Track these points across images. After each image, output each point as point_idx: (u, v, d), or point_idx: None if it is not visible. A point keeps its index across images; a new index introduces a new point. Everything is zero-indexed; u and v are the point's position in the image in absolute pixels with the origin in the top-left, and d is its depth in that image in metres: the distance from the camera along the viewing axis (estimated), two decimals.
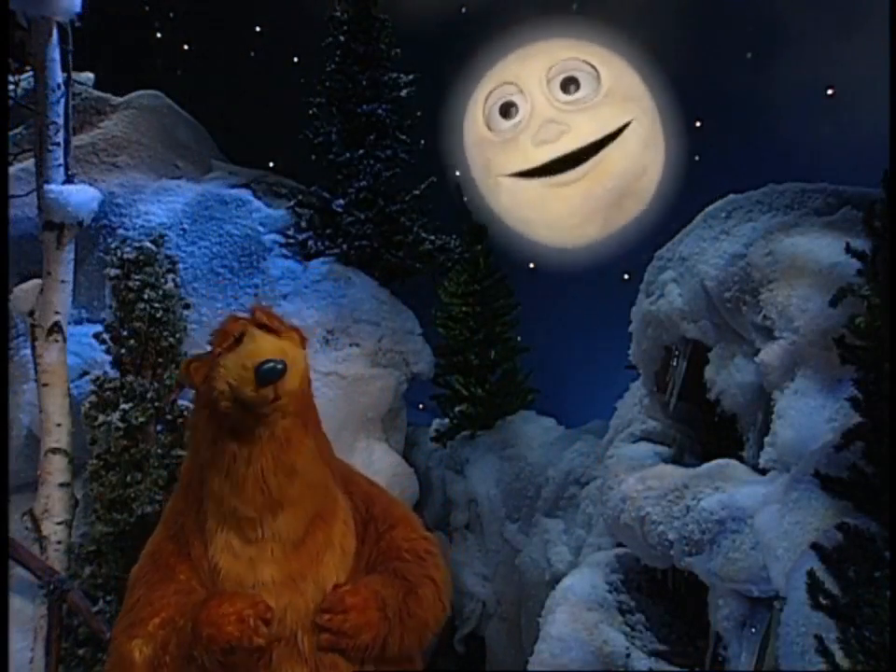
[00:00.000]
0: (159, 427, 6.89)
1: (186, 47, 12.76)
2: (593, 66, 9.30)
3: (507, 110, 9.46)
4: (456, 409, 9.78)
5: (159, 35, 12.81)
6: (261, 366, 2.32)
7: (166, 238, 7.66)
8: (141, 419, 6.67)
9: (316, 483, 2.51)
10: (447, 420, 9.98)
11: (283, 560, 2.44)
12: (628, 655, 5.75)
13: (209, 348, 2.57)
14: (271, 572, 2.43)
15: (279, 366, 2.33)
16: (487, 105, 9.58)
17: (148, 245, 7.08)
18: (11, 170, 7.83)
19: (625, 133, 9.23)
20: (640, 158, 9.30)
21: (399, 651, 2.48)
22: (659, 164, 9.45)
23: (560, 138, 9.06)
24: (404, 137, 9.94)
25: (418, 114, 10.00)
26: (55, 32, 6.69)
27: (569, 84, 9.25)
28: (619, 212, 9.38)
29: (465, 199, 9.95)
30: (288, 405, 2.41)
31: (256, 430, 2.41)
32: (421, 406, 10.60)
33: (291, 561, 2.44)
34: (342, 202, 9.60)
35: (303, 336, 2.65)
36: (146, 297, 6.83)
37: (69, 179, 6.96)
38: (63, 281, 6.93)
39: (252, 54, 12.73)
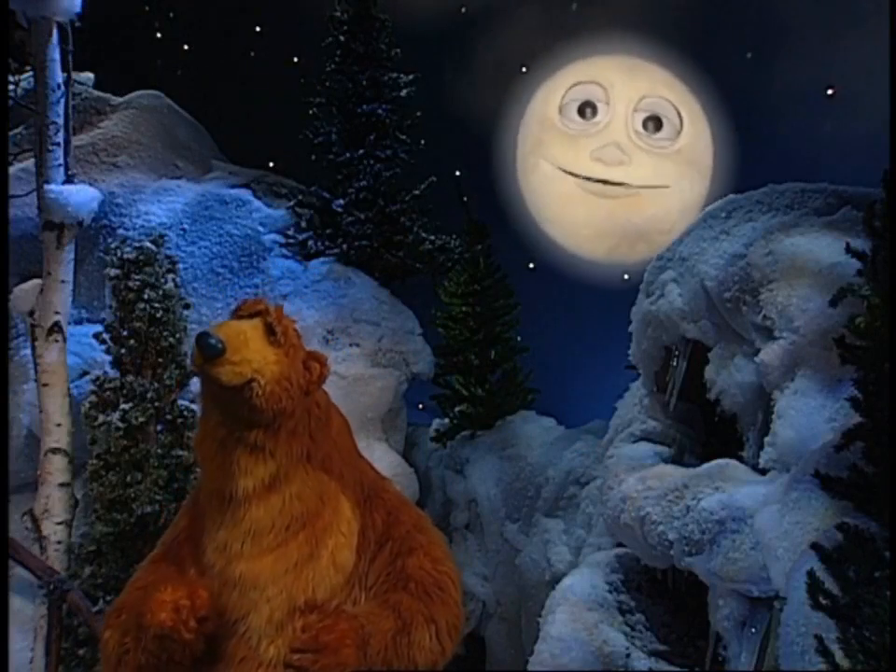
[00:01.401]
0: (159, 427, 6.89)
1: (186, 47, 12.76)
2: (679, 116, 9.32)
3: (584, 109, 9.48)
4: (456, 409, 9.77)
5: (159, 34, 12.81)
6: (207, 334, 2.25)
7: (166, 238, 7.67)
8: (141, 419, 6.67)
9: (299, 493, 2.44)
10: (447, 420, 9.97)
11: (255, 560, 2.39)
12: (628, 655, 5.75)
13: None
14: (241, 568, 2.38)
15: (218, 346, 2.23)
16: (569, 93, 9.58)
17: (148, 245, 7.09)
18: (11, 170, 7.83)
19: (672, 190, 9.29)
20: (673, 218, 9.28)
21: None
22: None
23: (616, 166, 9.14)
24: (404, 137, 9.94)
25: (418, 114, 10.00)
26: (55, 32, 6.70)
27: (652, 122, 9.29)
28: (628, 249, 9.42)
29: (465, 198, 9.94)
30: (252, 415, 2.34)
31: (227, 427, 2.38)
32: (421, 406, 10.60)
33: (264, 564, 2.39)
34: (342, 202, 9.60)
35: (324, 372, 2.50)
36: (146, 297, 6.83)
37: (69, 179, 6.96)
38: (63, 281, 6.94)
39: (252, 54, 12.74)
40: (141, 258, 6.95)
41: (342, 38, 9.86)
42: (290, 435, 2.44)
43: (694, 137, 9.43)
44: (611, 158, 9.10)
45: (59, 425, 6.81)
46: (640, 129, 9.24)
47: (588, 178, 9.25)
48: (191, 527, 2.53)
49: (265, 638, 2.37)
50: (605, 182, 9.17)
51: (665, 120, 9.33)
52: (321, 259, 9.45)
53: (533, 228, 9.96)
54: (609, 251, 9.48)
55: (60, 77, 6.82)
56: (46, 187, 6.82)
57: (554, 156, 9.55)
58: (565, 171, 9.42)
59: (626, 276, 9.52)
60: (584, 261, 9.71)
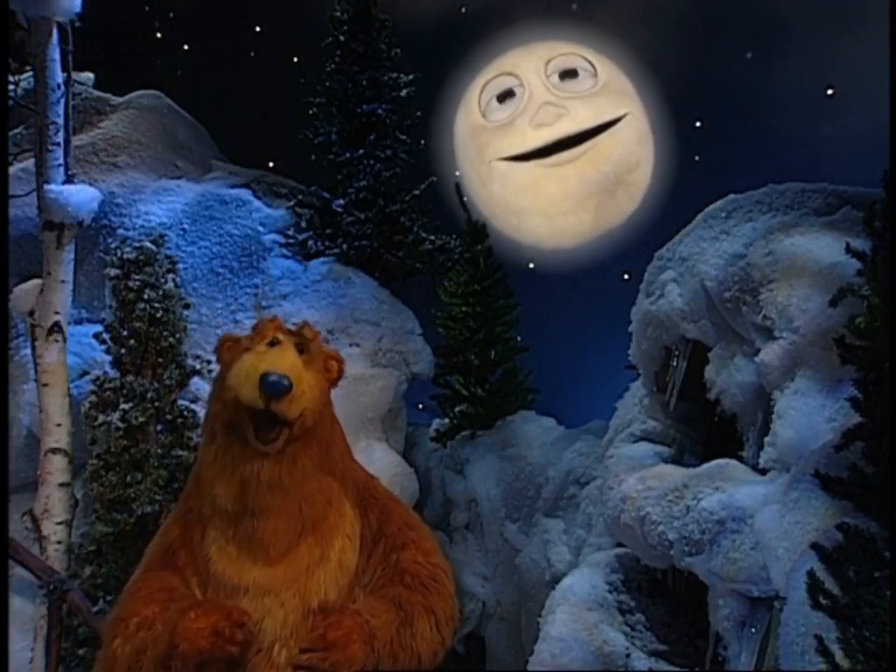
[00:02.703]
0: (159, 427, 6.89)
1: (186, 47, 12.77)
2: (590, 62, 9.41)
3: (503, 99, 9.52)
4: (456, 409, 9.77)
5: (159, 34, 12.81)
6: (267, 375, 2.31)
7: (166, 238, 7.67)
8: (141, 419, 6.67)
9: (311, 498, 2.48)
10: (447, 420, 9.97)
11: (268, 567, 2.42)
12: (628, 655, 5.75)
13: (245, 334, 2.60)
14: (254, 576, 2.41)
15: (284, 382, 2.31)
16: (484, 94, 9.66)
17: (148, 245, 7.09)
18: (11, 170, 7.83)
19: (621, 124, 9.35)
20: (634, 150, 9.39)
21: None
22: (651, 163, 9.50)
23: (558, 121, 9.16)
24: (404, 137, 9.93)
25: (418, 114, 10.00)
26: (55, 32, 6.71)
27: (567, 76, 9.35)
28: (611, 201, 9.40)
29: (465, 198, 9.94)
30: (286, 436, 2.40)
31: (248, 446, 2.40)
32: (421, 406, 10.60)
33: (277, 570, 2.42)
34: (342, 202, 9.60)
35: (342, 367, 2.64)
36: (146, 297, 6.83)
37: (69, 179, 6.97)
38: (63, 281, 6.94)
39: (252, 54, 12.75)
40: (141, 258, 6.95)
41: (342, 38, 9.85)
42: (309, 443, 2.48)
43: (612, 73, 9.53)
44: (549, 116, 9.18)
45: (59, 425, 6.81)
46: (559, 83, 9.36)
47: (542, 151, 9.24)
48: (185, 537, 2.54)
49: (278, 642, 2.39)
50: (558, 147, 9.17)
51: (577, 69, 9.46)
52: (321, 259, 9.45)
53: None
54: (594, 212, 9.44)
55: (60, 77, 6.82)
56: (46, 187, 6.82)
57: (500, 150, 9.62)
58: (517, 158, 9.44)
59: (626, 276, 9.53)
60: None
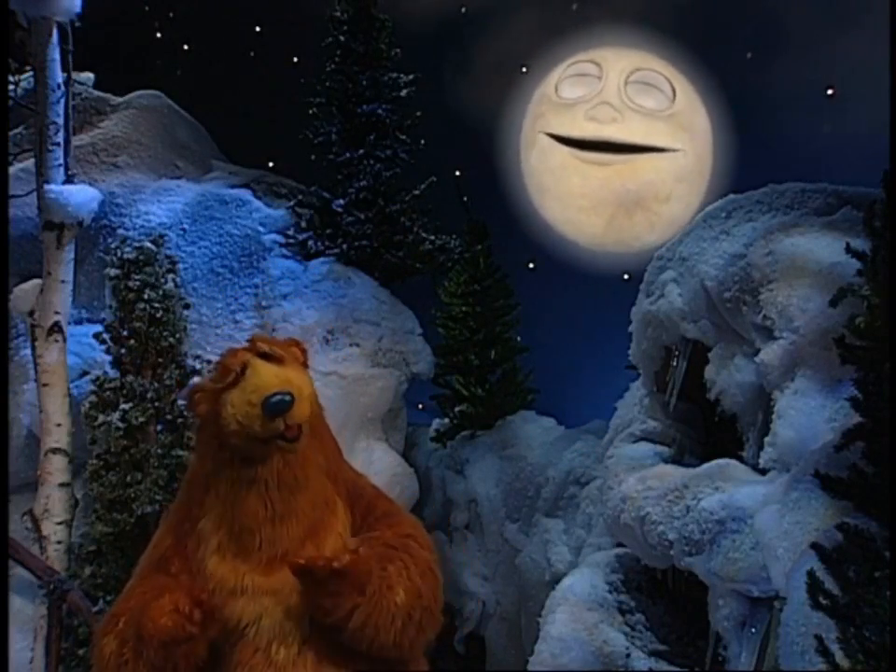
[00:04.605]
0: (159, 427, 6.89)
1: (186, 47, 12.77)
2: (673, 88, 9.42)
3: (579, 83, 9.62)
4: (456, 409, 9.77)
5: (159, 34, 12.81)
6: (268, 400, 2.33)
7: (166, 238, 7.67)
8: (141, 419, 6.67)
9: (317, 498, 2.51)
10: (447, 420, 9.98)
11: (267, 568, 2.43)
12: (628, 655, 5.75)
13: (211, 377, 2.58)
14: (253, 578, 2.42)
15: (286, 398, 2.34)
16: (566, 71, 9.74)
17: (148, 245, 7.08)
18: (11, 170, 7.83)
19: (666, 154, 9.33)
20: (668, 182, 9.35)
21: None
22: (689, 202, 9.47)
23: (609, 123, 9.19)
24: (404, 137, 9.93)
25: (418, 114, 10.00)
26: (55, 32, 6.70)
27: (644, 90, 9.38)
28: (627, 220, 9.40)
29: (465, 198, 9.95)
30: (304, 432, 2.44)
31: (266, 452, 2.43)
32: (421, 406, 10.60)
33: (276, 570, 2.43)
34: (342, 202, 9.59)
35: (303, 348, 2.64)
36: (146, 297, 6.83)
37: (69, 179, 6.97)
38: (63, 281, 6.94)
39: (252, 54, 12.74)
40: (141, 258, 6.95)
41: (342, 38, 9.85)
42: (311, 434, 2.50)
43: (688, 107, 9.49)
44: (604, 115, 9.17)
45: (59, 425, 6.81)
46: (633, 93, 9.36)
47: (582, 142, 9.30)
48: (178, 546, 2.55)
49: (275, 641, 2.40)
50: (598, 148, 9.22)
51: (657, 91, 9.43)
52: (321, 259, 9.44)
53: (533, 217, 9.96)
54: (607, 222, 9.46)
55: (60, 77, 6.82)
56: (46, 187, 6.82)
57: (550, 124, 9.67)
58: (559, 138, 9.50)
59: (626, 276, 9.53)
60: (585, 242, 9.69)
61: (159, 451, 6.70)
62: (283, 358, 2.50)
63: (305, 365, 2.62)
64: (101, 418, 6.71)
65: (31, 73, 7.22)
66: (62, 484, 6.76)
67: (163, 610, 2.27)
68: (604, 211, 9.42)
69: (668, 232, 9.15)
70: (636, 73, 9.38)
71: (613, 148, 9.20)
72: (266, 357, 2.48)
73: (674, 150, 9.36)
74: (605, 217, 9.44)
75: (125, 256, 6.95)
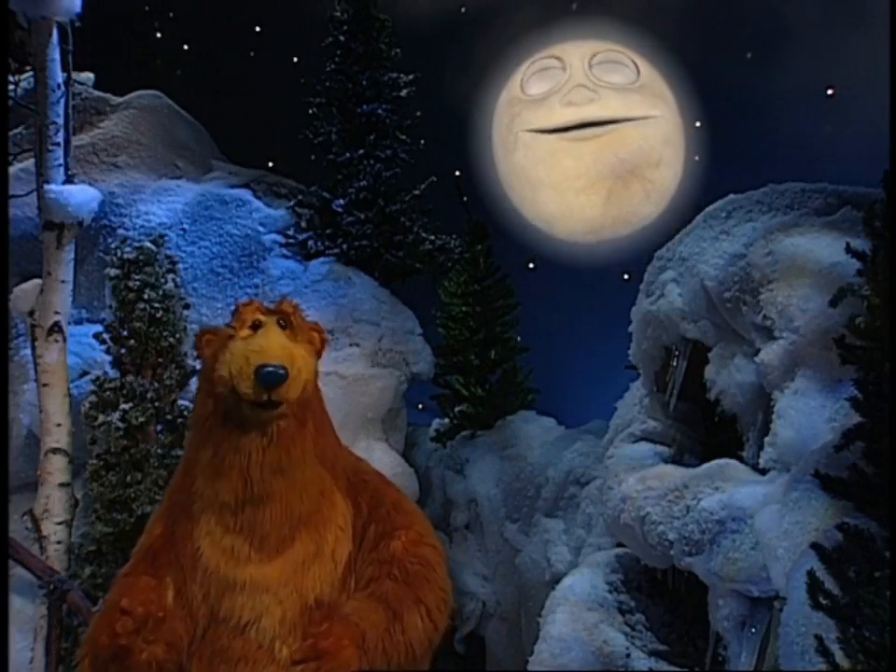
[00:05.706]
0: (159, 427, 6.89)
1: (186, 47, 12.77)
2: (635, 64, 9.60)
3: (543, 78, 9.71)
4: (456, 409, 9.77)
5: (159, 34, 12.81)
6: (263, 367, 2.29)
7: (166, 238, 7.66)
8: (141, 419, 6.67)
9: (306, 486, 2.47)
10: (447, 420, 9.98)
11: (265, 563, 2.41)
12: (628, 655, 5.75)
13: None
14: (250, 572, 2.41)
15: (280, 371, 2.30)
16: (528, 69, 9.79)
17: (148, 245, 7.08)
18: (11, 170, 7.82)
19: (648, 121, 9.46)
20: (657, 147, 9.50)
21: None
22: (676, 169, 9.56)
23: (588, 104, 9.34)
24: (404, 137, 9.94)
25: (418, 114, 10.00)
26: (55, 32, 6.69)
27: (609, 69, 9.53)
28: (624, 191, 9.46)
29: (465, 198, 9.94)
30: (286, 411, 2.39)
31: (248, 422, 2.39)
32: (421, 406, 10.60)
33: (274, 566, 2.41)
34: (342, 202, 9.60)
35: (323, 337, 2.61)
36: (146, 297, 6.83)
37: (69, 179, 6.95)
38: (63, 281, 6.93)
39: (252, 54, 12.74)
40: (141, 258, 6.95)
41: (342, 38, 9.86)
42: (304, 422, 2.47)
43: (653, 77, 9.71)
44: (581, 97, 9.36)
45: (59, 425, 6.80)
46: (600, 74, 9.57)
47: (566, 128, 9.37)
48: (167, 535, 2.56)
49: (278, 639, 2.40)
50: (582, 126, 9.30)
51: (620, 66, 9.64)
52: (321, 258, 9.45)
53: (532, 222, 9.98)
54: (605, 199, 9.52)
55: (60, 77, 6.81)
56: (46, 187, 6.81)
57: (528, 121, 9.79)
58: (542, 131, 9.56)
59: (626, 276, 9.53)
60: (585, 227, 9.71)
61: (159, 451, 6.70)
62: (298, 335, 2.48)
63: (319, 353, 2.59)
64: (101, 418, 6.71)
65: (31, 73, 7.21)
66: (62, 484, 6.75)
67: (101, 629, 2.32)
68: (601, 187, 9.50)
69: (662, 201, 9.32)
70: (597, 55, 9.60)
71: (597, 125, 9.35)
72: (285, 323, 2.46)
73: (654, 117, 9.57)
74: (603, 193, 9.51)
75: (125, 256, 6.95)
